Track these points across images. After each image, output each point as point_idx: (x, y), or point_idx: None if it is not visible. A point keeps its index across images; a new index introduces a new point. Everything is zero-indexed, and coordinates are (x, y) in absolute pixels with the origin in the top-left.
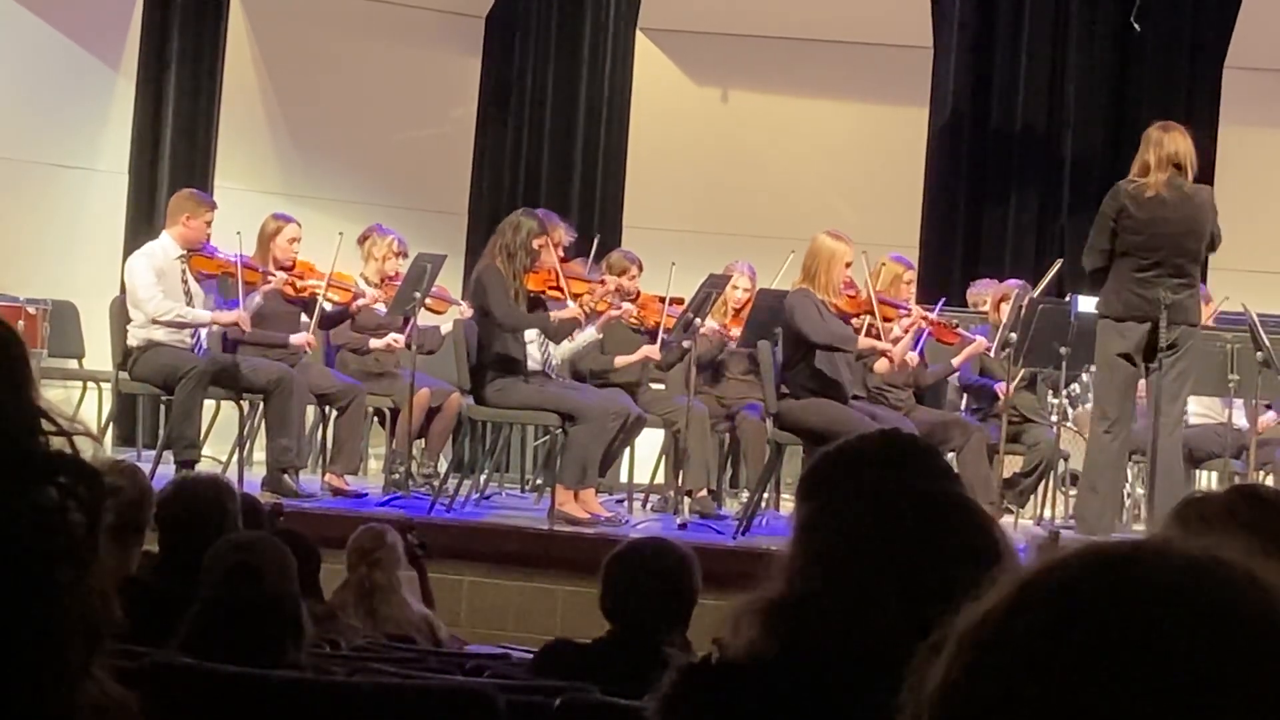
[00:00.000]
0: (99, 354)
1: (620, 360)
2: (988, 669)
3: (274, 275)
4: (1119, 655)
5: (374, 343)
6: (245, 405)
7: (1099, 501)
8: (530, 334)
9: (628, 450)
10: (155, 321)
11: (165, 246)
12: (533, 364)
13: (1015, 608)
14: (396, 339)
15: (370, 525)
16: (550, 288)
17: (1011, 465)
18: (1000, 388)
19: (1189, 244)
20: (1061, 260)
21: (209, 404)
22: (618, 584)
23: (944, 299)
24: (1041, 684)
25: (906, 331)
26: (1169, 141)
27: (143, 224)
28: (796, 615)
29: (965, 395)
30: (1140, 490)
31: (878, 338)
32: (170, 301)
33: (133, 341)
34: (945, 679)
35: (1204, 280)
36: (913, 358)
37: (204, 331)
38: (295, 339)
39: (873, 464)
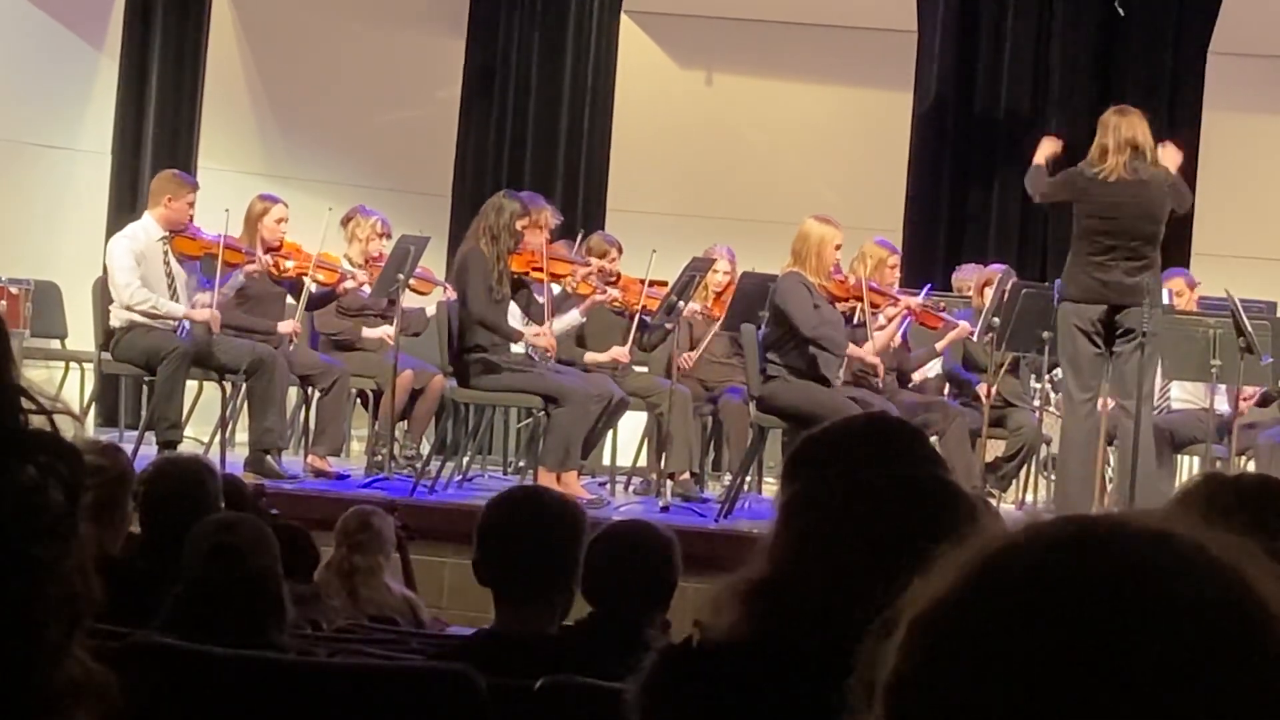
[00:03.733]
0: (81, 334)
1: (590, 357)
2: (947, 658)
3: (257, 256)
4: (1085, 645)
5: (368, 332)
6: (228, 386)
7: (1075, 484)
8: (515, 316)
9: (610, 433)
10: (128, 309)
11: (147, 228)
12: (516, 347)
13: (974, 595)
14: (388, 333)
15: (358, 508)
16: (533, 269)
17: (994, 449)
18: (982, 389)
19: (1145, 227)
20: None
21: (191, 385)
22: (599, 566)
23: (930, 285)
24: (1005, 674)
25: (891, 320)
26: (1125, 126)
27: (125, 204)
28: (778, 597)
29: (949, 383)
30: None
31: (864, 324)
32: (145, 292)
33: (115, 322)
34: (901, 668)
35: (1186, 266)
36: (897, 341)
37: None
38: (283, 327)
39: (858, 447)
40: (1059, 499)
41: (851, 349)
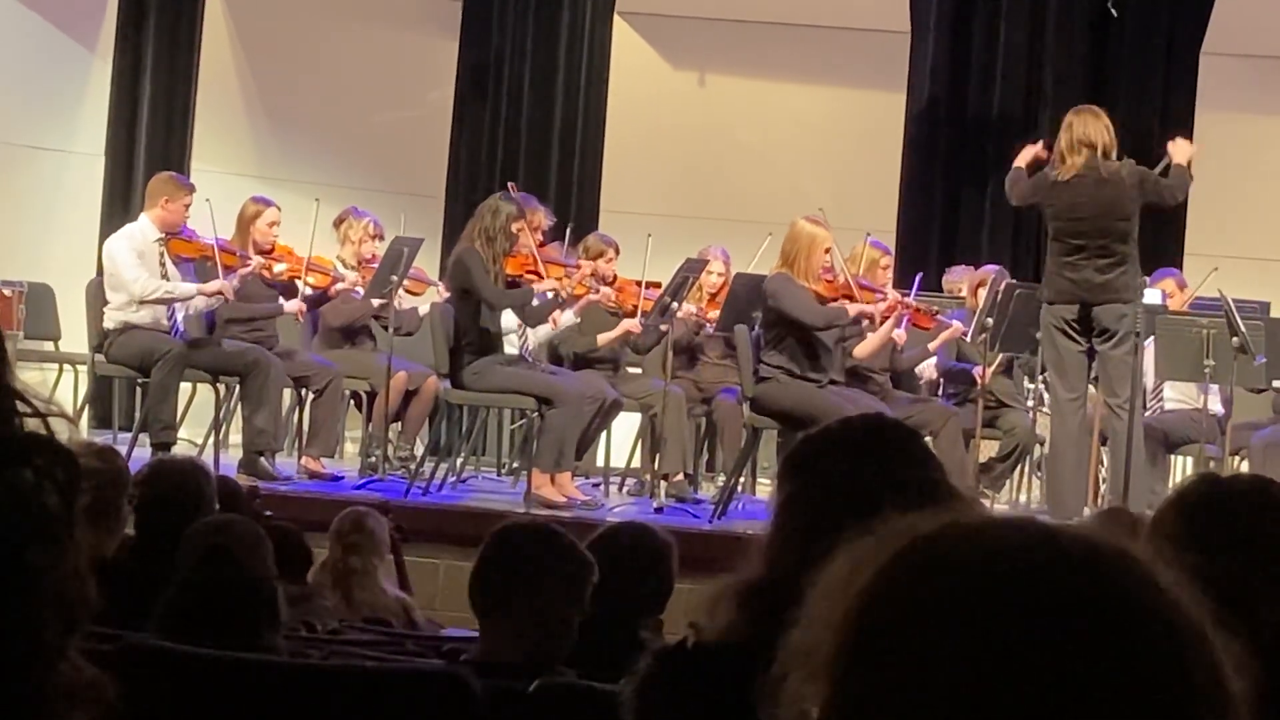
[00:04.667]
0: (75, 336)
1: (603, 337)
2: (888, 651)
3: (251, 259)
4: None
5: (377, 300)
6: (221, 388)
7: (1066, 485)
8: (508, 318)
9: (604, 434)
10: (143, 301)
11: (144, 229)
12: (510, 348)
13: (912, 592)
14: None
15: (353, 509)
16: (528, 271)
17: (987, 450)
18: (978, 371)
19: (1113, 224)
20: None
21: (185, 386)
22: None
23: (920, 274)
24: (943, 671)
25: (884, 317)
26: (1078, 124)
27: (119, 206)
28: (773, 597)
29: (942, 382)
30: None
31: (855, 322)
32: (156, 280)
33: (109, 324)
34: (846, 662)
35: (1179, 266)
36: (900, 335)
37: (181, 314)
38: (289, 306)
39: (855, 447)
40: (1051, 500)
41: (851, 308)
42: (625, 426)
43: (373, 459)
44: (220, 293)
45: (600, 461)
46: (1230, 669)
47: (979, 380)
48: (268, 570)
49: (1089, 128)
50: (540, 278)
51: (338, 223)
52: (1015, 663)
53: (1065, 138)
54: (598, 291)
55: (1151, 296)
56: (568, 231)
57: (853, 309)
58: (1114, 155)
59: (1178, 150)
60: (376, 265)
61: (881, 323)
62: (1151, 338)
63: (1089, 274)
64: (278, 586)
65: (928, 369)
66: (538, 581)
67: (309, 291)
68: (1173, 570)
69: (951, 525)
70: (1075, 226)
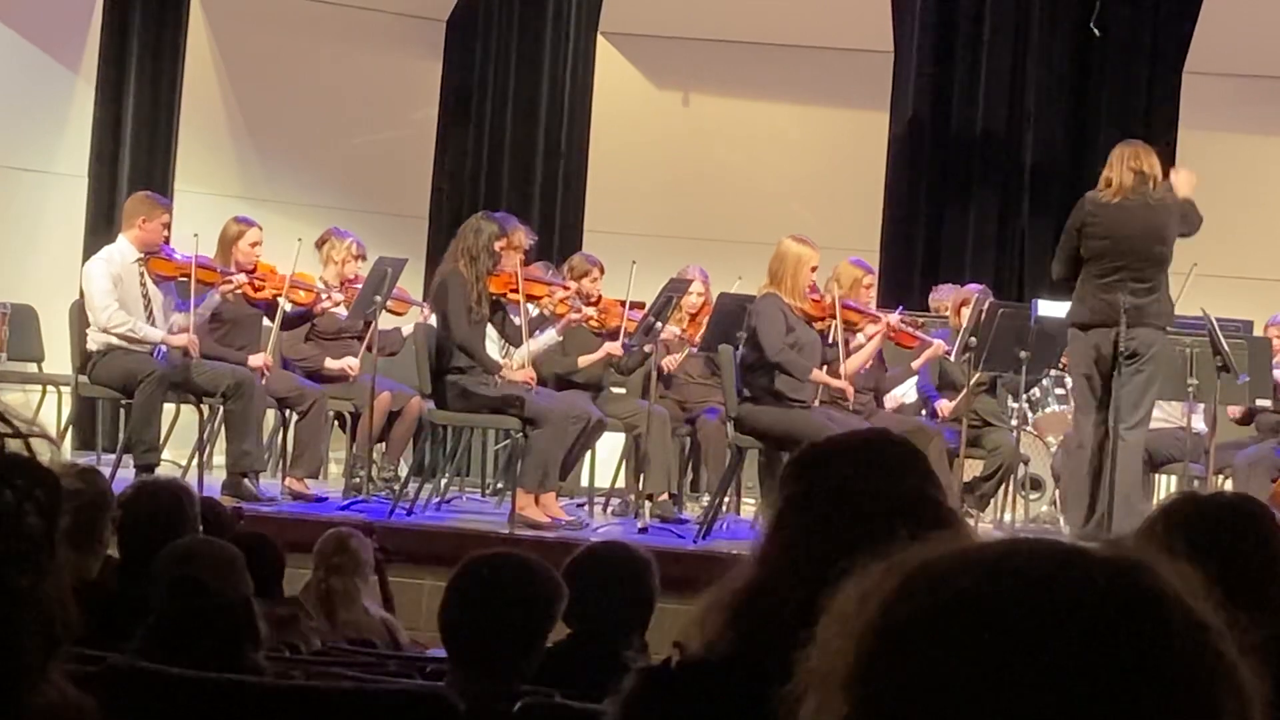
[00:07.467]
0: (58, 357)
1: (584, 359)
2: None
3: (233, 276)
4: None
5: (330, 363)
6: (205, 409)
7: (1075, 508)
8: (491, 338)
9: (588, 454)
10: (106, 331)
11: (123, 250)
12: None
13: (929, 612)
14: (352, 364)
15: (337, 530)
16: (510, 291)
17: (971, 469)
18: (940, 405)
19: (1152, 249)
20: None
21: (169, 407)
22: (578, 588)
23: (901, 306)
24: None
25: (870, 339)
26: (1130, 155)
27: (102, 227)
28: (761, 607)
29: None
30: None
31: (846, 343)
32: (124, 315)
33: (92, 345)
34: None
35: None
36: (868, 361)
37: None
38: (253, 360)
39: (856, 460)
40: (1070, 516)
41: (815, 374)
42: (609, 447)
43: (357, 480)
44: (185, 347)
45: (585, 482)
46: (1251, 684)
47: (940, 413)
48: (241, 589)
49: (1140, 157)
50: (520, 296)
51: (320, 243)
52: (1044, 685)
53: (1117, 166)
54: (579, 311)
55: None
56: (557, 255)
57: (816, 376)
58: (1159, 186)
59: (1182, 185)
60: (359, 286)
61: (868, 341)
62: None
63: (1123, 297)
64: (253, 602)
65: (896, 400)
66: (506, 613)
67: (289, 309)
68: (1195, 588)
69: (961, 549)
70: (1116, 248)
